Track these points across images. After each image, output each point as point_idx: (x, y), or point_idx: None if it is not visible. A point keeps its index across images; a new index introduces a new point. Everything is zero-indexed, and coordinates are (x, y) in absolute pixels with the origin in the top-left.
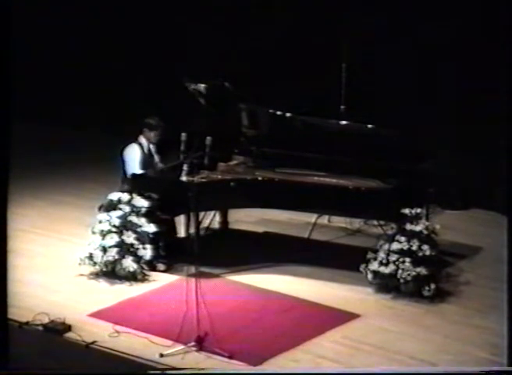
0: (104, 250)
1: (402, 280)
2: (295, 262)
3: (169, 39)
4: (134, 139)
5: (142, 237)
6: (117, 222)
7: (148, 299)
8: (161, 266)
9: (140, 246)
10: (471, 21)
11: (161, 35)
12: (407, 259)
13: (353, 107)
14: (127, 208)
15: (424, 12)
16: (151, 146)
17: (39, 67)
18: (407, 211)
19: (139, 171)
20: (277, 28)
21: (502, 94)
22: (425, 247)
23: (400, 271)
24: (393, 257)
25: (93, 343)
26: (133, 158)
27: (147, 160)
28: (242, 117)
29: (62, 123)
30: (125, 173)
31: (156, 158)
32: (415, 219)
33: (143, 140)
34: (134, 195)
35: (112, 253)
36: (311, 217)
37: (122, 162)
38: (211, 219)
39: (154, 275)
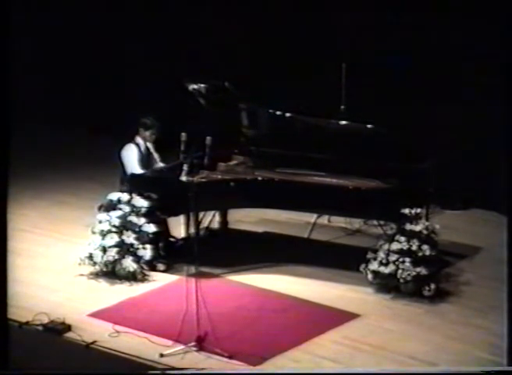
0: (104, 250)
1: (402, 280)
2: (295, 262)
3: (169, 39)
4: (131, 139)
5: (142, 237)
6: (117, 222)
7: (148, 299)
8: (161, 266)
9: (140, 246)
10: (472, 21)
11: (161, 35)
12: (407, 259)
13: (353, 107)
14: (127, 208)
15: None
16: (149, 145)
17: (39, 67)
18: (406, 211)
19: (139, 170)
20: (277, 28)
21: (501, 93)
22: (425, 247)
23: (399, 271)
24: (393, 257)
25: (93, 343)
26: (132, 157)
27: (145, 159)
28: (242, 117)
29: (63, 123)
30: (125, 173)
31: (156, 156)
32: (415, 219)
33: (139, 140)
34: (134, 195)
35: (112, 253)
36: (311, 217)
37: (121, 164)
38: (211, 219)
39: (154, 275)
